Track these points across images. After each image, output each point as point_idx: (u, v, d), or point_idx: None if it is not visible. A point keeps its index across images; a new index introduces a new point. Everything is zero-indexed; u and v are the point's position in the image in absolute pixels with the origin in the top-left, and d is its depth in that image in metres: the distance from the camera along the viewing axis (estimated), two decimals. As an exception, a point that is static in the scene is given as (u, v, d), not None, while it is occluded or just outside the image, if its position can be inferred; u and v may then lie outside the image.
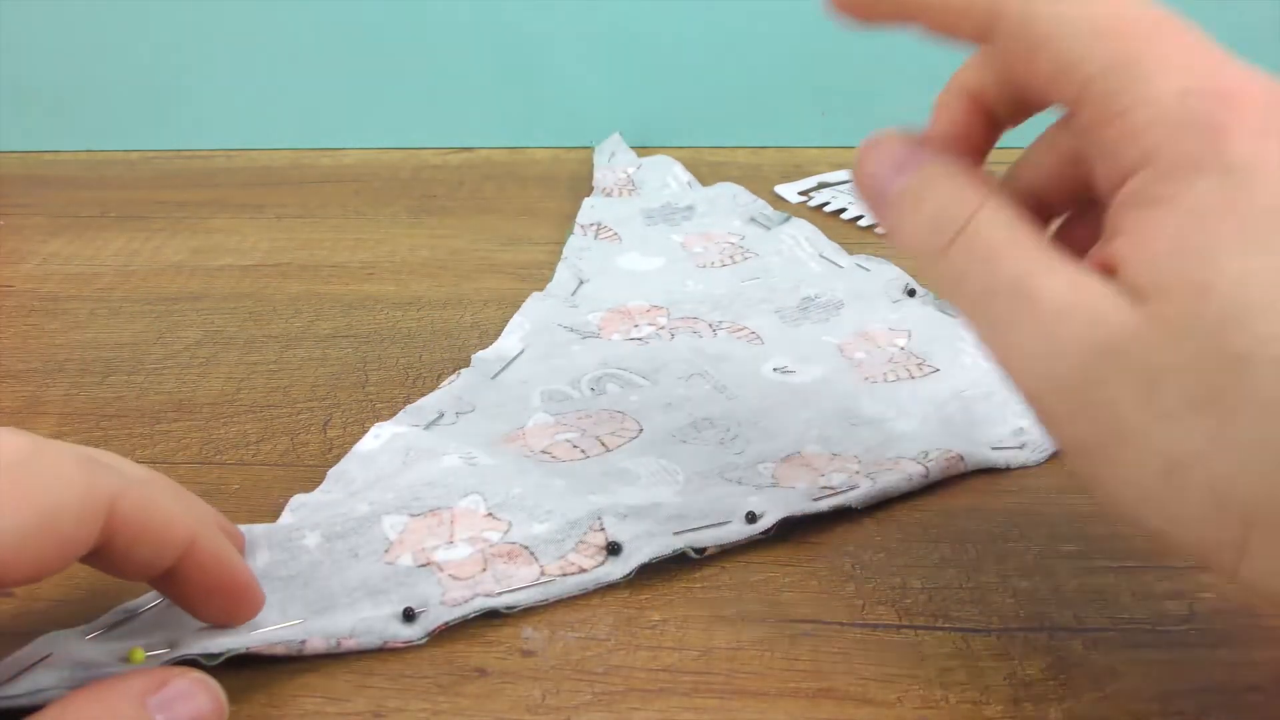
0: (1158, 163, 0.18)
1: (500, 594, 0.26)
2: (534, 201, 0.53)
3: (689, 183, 0.53)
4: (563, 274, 0.43)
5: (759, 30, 0.58)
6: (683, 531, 0.28)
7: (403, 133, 0.60)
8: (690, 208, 0.50)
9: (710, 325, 0.39)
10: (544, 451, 0.32)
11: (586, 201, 0.50)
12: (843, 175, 0.56)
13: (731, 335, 0.38)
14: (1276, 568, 0.17)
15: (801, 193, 0.54)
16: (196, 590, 0.22)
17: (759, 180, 0.55)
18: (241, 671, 0.24)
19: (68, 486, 0.19)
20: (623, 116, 0.60)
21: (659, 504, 0.28)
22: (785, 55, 0.58)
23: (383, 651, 0.25)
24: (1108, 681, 0.24)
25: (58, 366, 0.38)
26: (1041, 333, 0.18)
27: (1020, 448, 0.32)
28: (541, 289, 0.42)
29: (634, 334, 0.39)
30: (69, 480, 0.19)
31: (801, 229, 0.47)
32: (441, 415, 0.33)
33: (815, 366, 0.36)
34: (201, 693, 0.21)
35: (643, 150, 0.59)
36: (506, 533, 0.28)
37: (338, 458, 0.32)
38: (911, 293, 0.41)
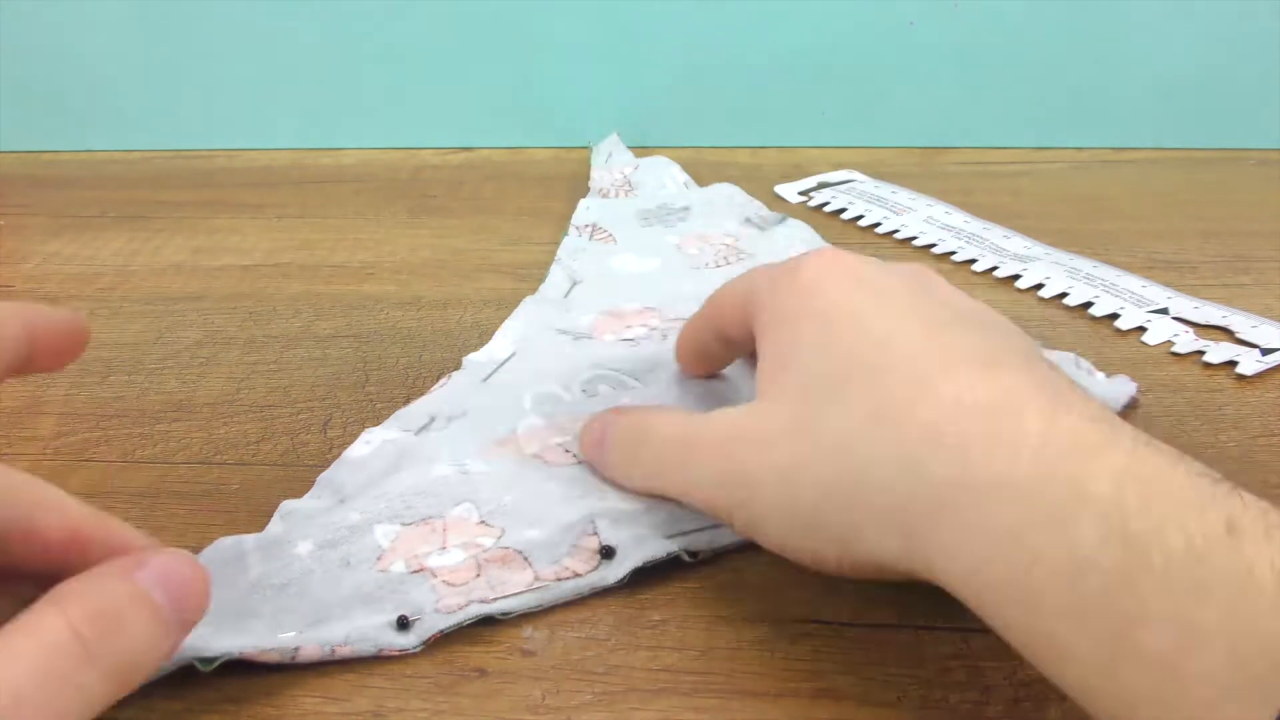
0: (763, 306, 0.27)
1: (495, 600, 0.26)
2: (534, 201, 0.53)
3: (685, 183, 0.53)
4: (556, 275, 0.43)
5: (759, 30, 0.58)
6: (675, 535, 0.28)
7: (403, 133, 0.60)
8: (686, 209, 0.49)
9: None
10: (536, 456, 0.31)
11: (582, 203, 0.50)
12: (843, 175, 0.56)
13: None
14: (880, 537, 0.22)
15: (801, 193, 0.54)
16: (45, 360, 0.23)
17: (759, 180, 0.55)
18: (241, 672, 0.24)
19: None
20: (623, 116, 0.60)
21: (652, 507, 0.28)
22: (785, 55, 0.58)
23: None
24: (1108, 681, 0.24)
25: (58, 366, 0.38)
26: (698, 451, 0.26)
27: None
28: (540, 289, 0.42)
29: (626, 335, 0.38)
30: None
31: (797, 230, 0.47)
32: (432, 420, 0.33)
33: None
34: (183, 563, 0.21)
35: (642, 150, 0.59)
36: (500, 538, 0.28)
37: (338, 458, 0.32)
38: None
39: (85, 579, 0.19)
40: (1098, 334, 0.40)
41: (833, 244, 0.47)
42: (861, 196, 0.52)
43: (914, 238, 0.48)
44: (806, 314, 0.25)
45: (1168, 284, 0.43)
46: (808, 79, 0.59)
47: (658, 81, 0.59)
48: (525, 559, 0.27)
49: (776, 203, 0.53)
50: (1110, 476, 0.19)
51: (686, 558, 0.27)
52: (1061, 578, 0.19)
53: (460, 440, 0.32)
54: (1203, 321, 0.40)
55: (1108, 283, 0.43)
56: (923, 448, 0.21)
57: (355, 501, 0.29)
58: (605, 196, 0.51)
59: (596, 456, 0.30)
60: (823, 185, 0.55)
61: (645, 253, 0.45)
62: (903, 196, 0.52)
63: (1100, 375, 0.36)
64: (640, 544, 0.27)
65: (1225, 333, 0.39)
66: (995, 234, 0.48)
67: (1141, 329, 0.40)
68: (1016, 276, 0.44)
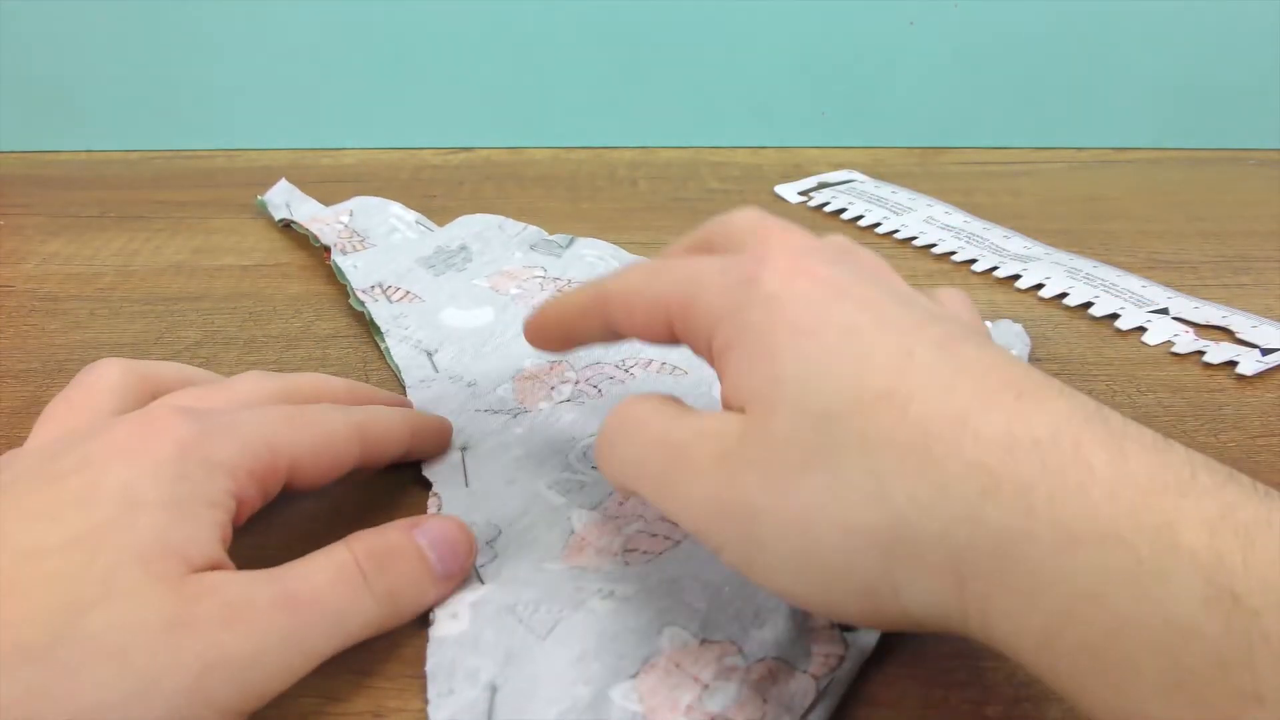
0: (720, 319, 0.23)
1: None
2: (534, 201, 0.53)
3: (417, 221, 0.48)
4: (402, 353, 0.37)
5: (759, 30, 0.58)
6: None
7: (403, 133, 0.60)
8: (463, 248, 0.44)
9: (617, 365, 0.36)
10: (629, 551, 0.27)
11: (343, 261, 0.43)
12: (843, 175, 0.56)
13: (649, 372, 0.35)
14: (927, 590, 0.20)
15: (801, 193, 0.54)
16: (422, 455, 0.31)
17: (759, 180, 0.56)
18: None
19: (333, 420, 0.27)
20: (622, 116, 0.60)
21: None
22: (785, 55, 0.58)
23: (382, 652, 0.25)
24: (1108, 681, 0.24)
25: (58, 366, 0.38)
26: (687, 467, 0.22)
27: None
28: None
29: (559, 397, 0.34)
30: (332, 417, 0.27)
31: (597, 249, 0.45)
32: (475, 568, 0.27)
33: None
34: (454, 528, 0.26)
35: (642, 150, 0.59)
36: (742, 651, 0.24)
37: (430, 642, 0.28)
38: None
39: (374, 530, 0.25)
40: (1098, 334, 0.40)
41: (637, 257, 0.47)
42: (861, 196, 0.52)
43: (914, 238, 0.48)
44: (786, 329, 0.22)
45: (1168, 284, 0.43)
46: (808, 79, 0.59)
47: (658, 81, 0.59)
48: (788, 664, 0.24)
49: (776, 203, 0.53)
50: (1203, 524, 0.17)
51: None
52: (1158, 647, 0.17)
53: (532, 567, 0.27)
54: (1203, 321, 0.40)
55: (1108, 283, 0.43)
56: (976, 493, 0.19)
57: (535, 688, 0.23)
58: (345, 253, 0.44)
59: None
60: (823, 185, 0.55)
61: (466, 304, 0.40)
62: (903, 196, 0.52)
63: (988, 324, 0.36)
64: None
65: (1225, 333, 0.39)
66: (995, 234, 0.48)
67: (1141, 329, 0.40)
68: (1016, 276, 0.44)
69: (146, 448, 0.23)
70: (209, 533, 0.22)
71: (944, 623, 0.20)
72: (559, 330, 0.29)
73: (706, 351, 0.24)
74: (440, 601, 0.25)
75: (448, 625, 0.25)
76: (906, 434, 0.20)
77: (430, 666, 0.24)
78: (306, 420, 0.26)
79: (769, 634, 0.24)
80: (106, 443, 0.23)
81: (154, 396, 0.27)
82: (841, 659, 0.24)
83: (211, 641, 0.20)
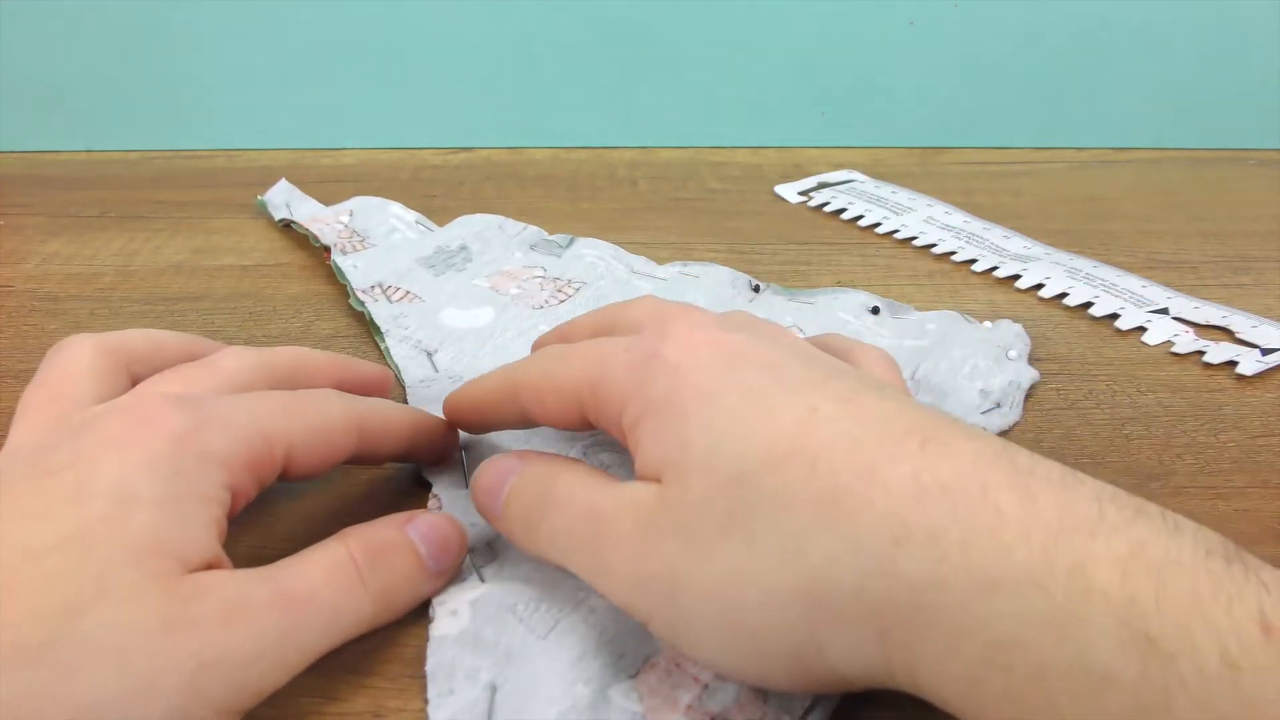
0: (629, 395, 0.24)
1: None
2: (534, 201, 0.53)
3: (416, 221, 0.48)
4: (402, 353, 0.37)
5: (759, 30, 0.58)
6: None
7: (403, 133, 0.60)
8: (464, 248, 0.44)
9: None
10: None
11: (343, 261, 0.43)
12: (843, 175, 0.56)
13: None
14: (850, 646, 0.20)
15: (801, 193, 0.54)
16: (422, 455, 0.30)
17: (759, 180, 0.56)
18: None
19: (331, 408, 0.26)
20: (622, 116, 0.60)
21: None
22: (785, 55, 0.58)
23: (382, 652, 0.25)
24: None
25: (58, 366, 0.38)
26: (610, 537, 0.23)
27: (997, 407, 0.32)
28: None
29: None
30: (330, 404, 0.26)
31: (597, 249, 0.44)
32: (472, 551, 0.27)
33: None
34: (447, 523, 0.26)
35: (642, 150, 0.59)
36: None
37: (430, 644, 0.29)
38: (756, 288, 0.41)
39: (368, 525, 0.25)
40: (1098, 334, 0.40)
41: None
42: (861, 196, 0.52)
43: (914, 238, 0.48)
44: (691, 395, 0.22)
45: (1168, 284, 0.43)
46: (808, 79, 0.59)
47: (658, 81, 0.59)
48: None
49: (776, 203, 0.53)
50: (1115, 564, 0.17)
51: None
52: (1078, 693, 0.17)
53: (525, 570, 0.27)
54: (1203, 321, 0.40)
55: (1108, 283, 0.43)
56: (888, 544, 0.19)
57: (536, 683, 0.23)
58: (345, 253, 0.44)
59: (489, 509, 0.26)
60: (823, 185, 0.55)
61: (466, 304, 0.40)
62: (903, 196, 0.52)
63: (987, 324, 0.38)
64: None
65: (1225, 333, 0.39)
66: (995, 234, 0.48)
67: (1141, 329, 0.40)
68: (1016, 276, 0.44)
69: (139, 441, 0.22)
70: (204, 529, 0.22)
71: (871, 678, 0.20)
72: (476, 415, 0.30)
73: (618, 430, 0.24)
74: (433, 596, 0.26)
75: (448, 623, 0.25)
76: (816, 490, 0.20)
77: (430, 666, 0.24)
78: (303, 407, 0.26)
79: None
80: (98, 436, 0.23)
81: (129, 372, 0.27)
82: None
83: (208, 641, 0.21)
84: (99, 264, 0.46)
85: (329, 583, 0.23)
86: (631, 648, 0.24)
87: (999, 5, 0.57)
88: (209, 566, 0.22)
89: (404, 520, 0.26)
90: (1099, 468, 0.32)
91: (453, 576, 0.26)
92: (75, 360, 0.26)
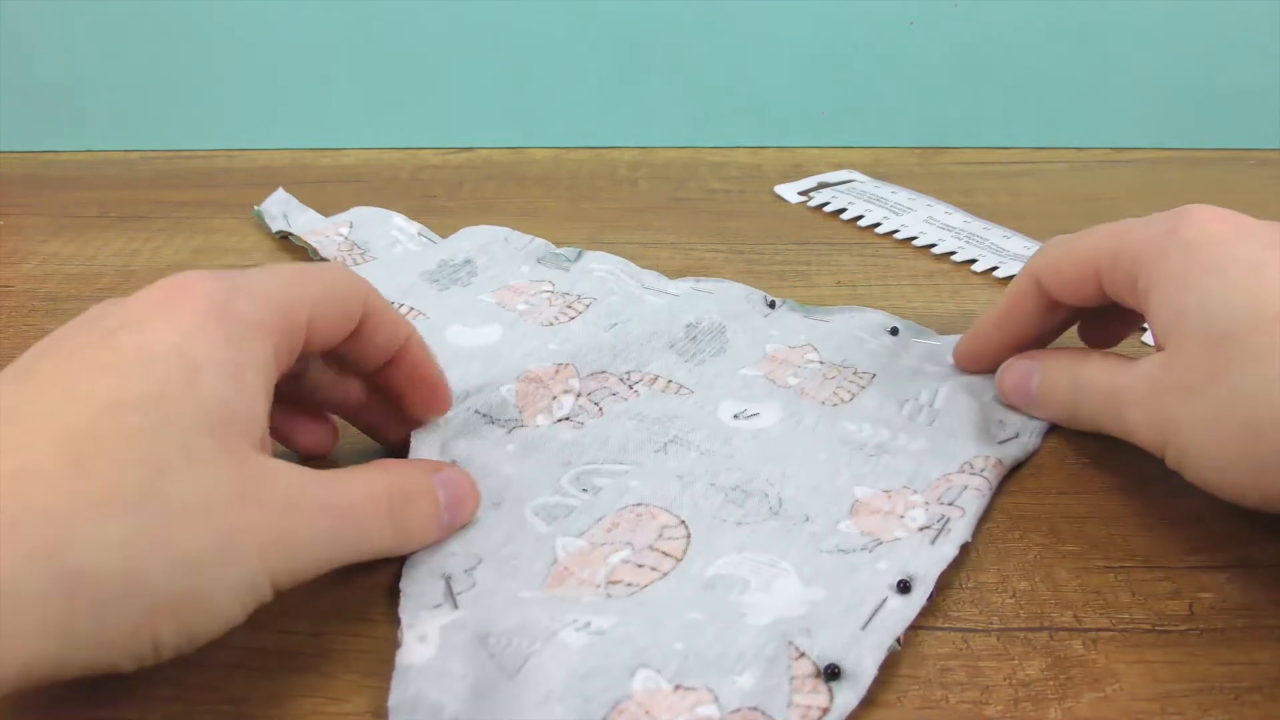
0: (1143, 264, 0.28)
1: None
2: (534, 201, 0.53)
3: (419, 233, 0.47)
4: None
5: (759, 30, 0.58)
6: (866, 625, 0.25)
7: (403, 133, 0.61)
8: (468, 262, 0.43)
9: (621, 379, 0.35)
10: (612, 583, 0.26)
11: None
12: (843, 175, 0.56)
13: (653, 390, 0.35)
14: None
15: (801, 193, 0.54)
16: (406, 380, 0.29)
17: (759, 180, 0.56)
18: (241, 672, 0.24)
19: (338, 273, 0.27)
20: (622, 116, 0.60)
21: (814, 602, 0.25)
22: (785, 55, 0.58)
23: (382, 652, 0.25)
24: (1107, 681, 0.24)
25: (58, 366, 0.38)
26: (1129, 402, 0.29)
27: (1015, 437, 0.32)
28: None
29: (558, 412, 0.33)
30: (339, 270, 0.27)
31: (607, 263, 0.43)
32: (449, 578, 0.27)
33: (767, 404, 0.34)
34: (466, 483, 0.28)
35: (642, 150, 0.59)
36: (718, 699, 0.23)
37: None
38: (771, 304, 0.40)
39: (402, 464, 0.28)
40: (1098, 334, 0.40)
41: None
42: (861, 196, 0.52)
43: (914, 238, 0.48)
44: (1197, 269, 0.27)
45: (1168, 284, 0.42)
46: (808, 79, 0.59)
47: (658, 81, 0.59)
48: (765, 715, 0.22)
49: (776, 203, 0.53)
50: None
51: (897, 646, 0.25)
52: None
53: (507, 595, 0.26)
54: (1203, 321, 0.40)
55: (1108, 283, 0.43)
56: None
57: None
58: (345, 266, 0.42)
59: (1023, 400, 0.33)
60: (823, 185, 0.55)
61: (473, 320, 0.38)
62: (903, 196, 0.52)
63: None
64: (852, 648, 0.24)
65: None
66: (995, 234, 0.48)
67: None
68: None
69: (182, 305, 0.23)
70: (261, 403, 0.24)
71: None
72: (993, 328, 0.34)
73: (1131, 295, 0.29)
74: (440, 540, 0.27)
75: (416, 650, 0.24)
76: None
77: (393, 701, 0.23)
78: (315, 274, 0.26)
79: (748, 682, 0.23)
80: (141, 302, 0.23)
81: None
82: (825, 711, 0.23)
83: (271, 522, 0.22)
84: (99, 264, 0.46)
85: (365, 509, 0.25)
86: (600, 691, 0.23)
87: (999, 5, 0.57)
88: (261, 442, 0.23)
89: (432, 469, 0.28)
90: (1100, 468, 0.32)
91: (459, 527, 0.28)
92: None
